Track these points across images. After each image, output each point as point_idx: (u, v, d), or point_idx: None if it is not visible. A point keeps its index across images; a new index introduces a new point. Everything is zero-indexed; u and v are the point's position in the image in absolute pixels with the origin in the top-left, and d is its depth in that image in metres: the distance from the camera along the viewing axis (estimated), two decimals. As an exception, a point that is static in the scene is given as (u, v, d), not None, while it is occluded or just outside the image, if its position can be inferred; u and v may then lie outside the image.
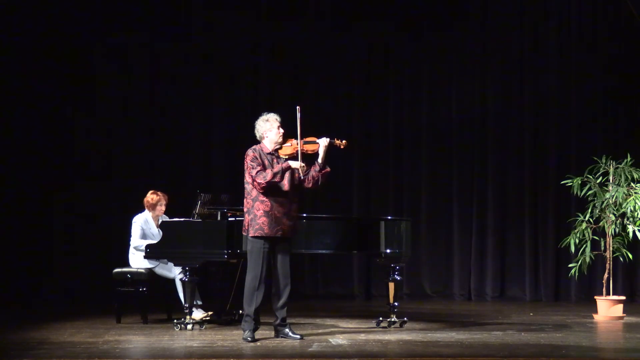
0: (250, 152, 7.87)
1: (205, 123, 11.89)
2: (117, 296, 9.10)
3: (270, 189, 7.76)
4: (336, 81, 12.07)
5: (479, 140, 12.06)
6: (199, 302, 8.89)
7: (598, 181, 9.95)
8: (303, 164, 7.82)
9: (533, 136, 12.01)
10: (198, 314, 8.73)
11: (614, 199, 9.79)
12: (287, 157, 7.92)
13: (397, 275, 8.76)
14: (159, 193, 9.32)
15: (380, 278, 10.48)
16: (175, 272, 9.01)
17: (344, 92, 12.08)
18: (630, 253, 9.99)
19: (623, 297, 10.01)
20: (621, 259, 10.09)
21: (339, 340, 7.88)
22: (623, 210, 9.74)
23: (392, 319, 8.74)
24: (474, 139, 12.07)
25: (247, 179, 7.85)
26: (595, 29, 11.98)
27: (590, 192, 9.94)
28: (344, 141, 7.98)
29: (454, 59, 12.12)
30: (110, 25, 11.67)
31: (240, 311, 8.28)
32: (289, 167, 7.81)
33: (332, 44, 12.03)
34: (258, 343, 7.67)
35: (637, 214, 9.69)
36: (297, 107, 7.79)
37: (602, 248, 9.95)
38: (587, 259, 9.86)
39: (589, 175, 9.99)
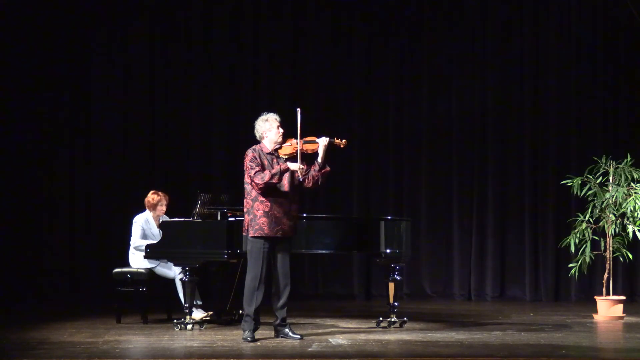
0: (249, 153, 7.87)
1: (205, 123, 11.89)
2: (117, 296, 9.10)
3: (268, 190, 7.76)
4: (336, 81, 12.06)
5: (479, 140, 12.06)
6: (199, 302, 8.89)
7: (598, 181, 9.95)
8: (302, 166, 7.81)
9: (533, 136, 12.01)
10: (198, 314, 8.73)
11: (614, 199, 9.79)
12: (286, 156, 7.91)
13: (397, 275, 8.75)
14: (159, 193, 9.32)
15: (380, 278, 10.49)
16: (175, 272, 9.01)
17: (344, 92, 12.07)
18: (630, 253, 9.99)
19: (623, 297, 10.01)
20: (621, 259, 10.09)
21: (339, 340, 7.88)
22: (623, 210, 9.73)
23: (392, 319, 8.74)
24: (473, 139, 12.07)
25: (247, 179, 7.85)
26: (596, 29, 11.98)
27: (590, 192, 9.94)
28: (343, 140, 7.97)
29: (454, 58, 12.12)
30: (110, 24, 11.68)
31: (240, 311, 8.28)
32: (288, 169, 7.81)
33: (332, 43, 12.03)
34: (258, 343, 7.67)
35: (637, 214, 9.69)
36: (297, 109, 7.79)
37: (602, 248, 9.95)
38: (587, 259, 9.85)
39: (589, 175, 9.99)
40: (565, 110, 12.00)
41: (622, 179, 9.88)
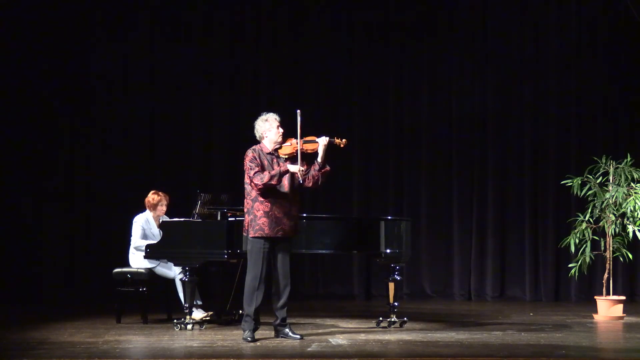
0: (249, 153, 7.87)
1: (205, 123, 11.89)
2: (117, 296, 9.11)
3: (268, 191, 7.76)
4: (336, 81, 12.06)
5: (479, 140, 12.07)
6: (199, 302, 8.89)
7: (598, 181, 9.95)
8: (302, 168, 7.81)
9: (533, 136, 12.01)
10: (198, 314, 8.73)
11: (614, 199, 9.79)
12: (286, 156, 7.92)
13: (397, 275, 8.75)
14: (160, 193, 9.33)
15: (380, 278, 10.49)
16: (175, 272, 9.01)
17: (344, 92, 12.07)
18: (630, 253, 9.99)
19: (623, 297, 10.01)
20: (621, 259, 10.09)
21: (339, 340, 7.88)
22: (623, 210, 9.74)
23: (392, 319, 8.74)
24: (474, 139, 12.07)
25: (247, 179, 7.85)
26: (596, 29, 11.99)
27: (590, 192, 9.94)
28: (343, 140, 7.97)
29: (454, 59, 12.12)
30: (110, 24, 11.68)
31: (240, 311, 8.28)
32: (287, 172, 7.81)
33: (332, 44, 12.03)
34: (258, 343, 7.67)
35: (637, 214, 9.69)
36: (297, 111, 7.79)
37: (602, 248, 9.95)
38: (587, 259, 9.86)
39: (589, 175, 9.99)
40: (565, 110, 12.00)
41: (622, 179, 9.88)
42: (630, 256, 10.02)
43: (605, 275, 9.90)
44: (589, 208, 9.93)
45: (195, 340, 7.84)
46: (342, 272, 11.91)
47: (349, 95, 12.08)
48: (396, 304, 8.77)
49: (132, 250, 9.18)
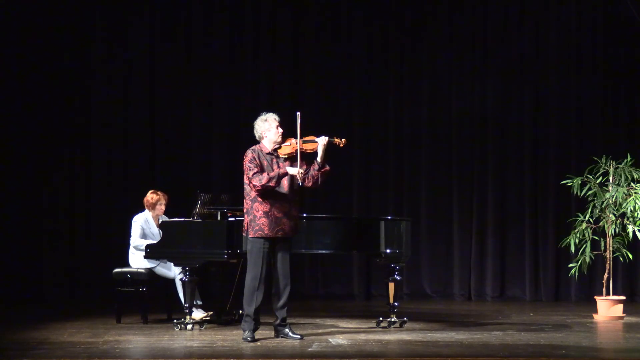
0: (249, 153, 7.87)
1: (206, 123, 11.89)
2: (117, 296, 9.10)
3: (267, 191, 7.76)
4: (336, 81, 12.06)
5: (479, 140, 12.06)
6: (199, 302, 8.89)
7: (598, 181, 9.95)
8: (301, 171, 7.80)
9: (533, 136, 12.00)
10: (198, 314, 8.73)
11: (614, 199, 9.79)
12: (286, 156, 7.92)
13: (397, 275, 8.75)
14: (159, 192, 9.33)
15: (380, 278, 10.48)
16: (175, 272, 9.01)
17: (344, 92, 12.07)
18: (630, 253, 9.99)
19: (623, 297, 10.01)
20: (621, 259, 10.09)
21: (339, 340, 7.88)
22: (623, 210, 9.73)
23: (392, 319, 8.74)
24: (473, 139, 12.07)
25: (246, 180, 7.85)
26: (596, 29, 11.98)
27: (590, 192, 9.94)
28: (343, 140, 7.97)
29: (454, 58, 12.11)
30: (110, 24, 11.68)
31: (240, 311, 8.28)
32: (286, 174, 7.81)
33: (332, 43, 12.02)
34: (258, 343, 7.67)
35: (637, 214, 9.69)
36: (297, 113, 7.79)
37: (602, 248, 9.95)
38: (587, 259, 9.85)
39: (589, 175, 9.99)
40: (565, 110, 11.99)
41: (622, 179, 9.88)
42: (630, 256, 10.02)
43: (605, 275, 9.90)
44: (589, 208, 9.93)
45: (195, 340, 7.85)
46: (342, 272, 11.90)
47: (349, 95, 12.07)
48: (396, 304, 8.77)
49: (132, 250, 9.18)
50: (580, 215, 10.01)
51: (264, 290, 7.83)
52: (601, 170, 9.99)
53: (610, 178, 9.98)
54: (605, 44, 11.96)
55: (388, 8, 12.03)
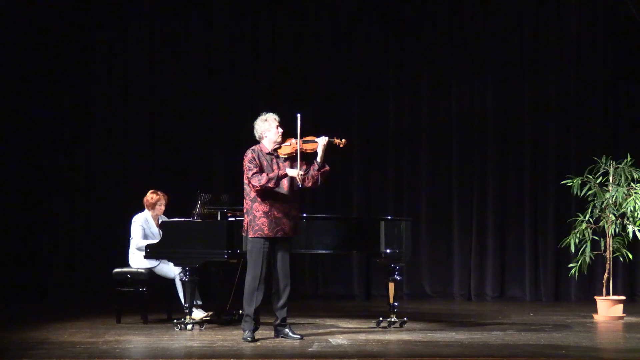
0: (249, 153, 7.87)
1: (206, 123, 11.89)
2: (117, 296, 9.11)
3: (266, 192, 7.76)
4: (336, 81, 12.05)
5: (479, 140, 12.06)
6: (199, 302, 8.89)
7: (598, 181, 9.95)
8: (301, 172, 7.80)
9: (533, 136, 12.00)
10: (198, 314, 8.73)
11: (614, 199, 9.79)
12: (286, 156, 7.92)
13: (397, 275, 8.75)
14: (158, 192, 9.33)
15: (380, 278, 10.48)
16: (175, 272, 9.01)
17: (343, 92, 12.06)
18: (630, 253, 9.99)
19: (623, 297, 10.01)
20: (621, 259, 10.09)
21: (339, 340, 7.88)
22: (623, 210, 9.73)
23: (392, 319, 8.74)
24: (474, 139, 12.06)
25: (246, 180, 7.86)
26: (595, 29, 11.98)
27: (590, 192, 9.94)
28: (343, 140, 7.97)
29: (454, 58, 12.11)
30: (111, 24, 11.68)
31: (240, 311, 8.28)
32: (286, 176, 7.81)
33: (332, 43, 12.02)
34: (258, 343, 7.67)
35: (637, 214, 9.69)
36: (298, 115, 7.78)
37: (602, 248, 9.95)
38: (587, 259, 9.85)
39: (589, 175, 9.99)
40: (565, 110, 11.99)
41: (622, 179, 9.88)
42: (630, 256, 10.02)
43: (605, 275, 9.90)
44: (589, 208, 9.93)
45: (195, 340, 7.85)
46: (342, 272, 11.90)
47: (349, 96, 12.06)
48: (396, 304, 8.77)
49: (132, 250, 9.18)
50: (580, 215, 10.01)
51: (264, 290, 7.84)
52: (601, 170, 10.00)
53: (610, 178, 9.98)
54: (605, 44, 11.95)
55: (388, 8, 12.02)
